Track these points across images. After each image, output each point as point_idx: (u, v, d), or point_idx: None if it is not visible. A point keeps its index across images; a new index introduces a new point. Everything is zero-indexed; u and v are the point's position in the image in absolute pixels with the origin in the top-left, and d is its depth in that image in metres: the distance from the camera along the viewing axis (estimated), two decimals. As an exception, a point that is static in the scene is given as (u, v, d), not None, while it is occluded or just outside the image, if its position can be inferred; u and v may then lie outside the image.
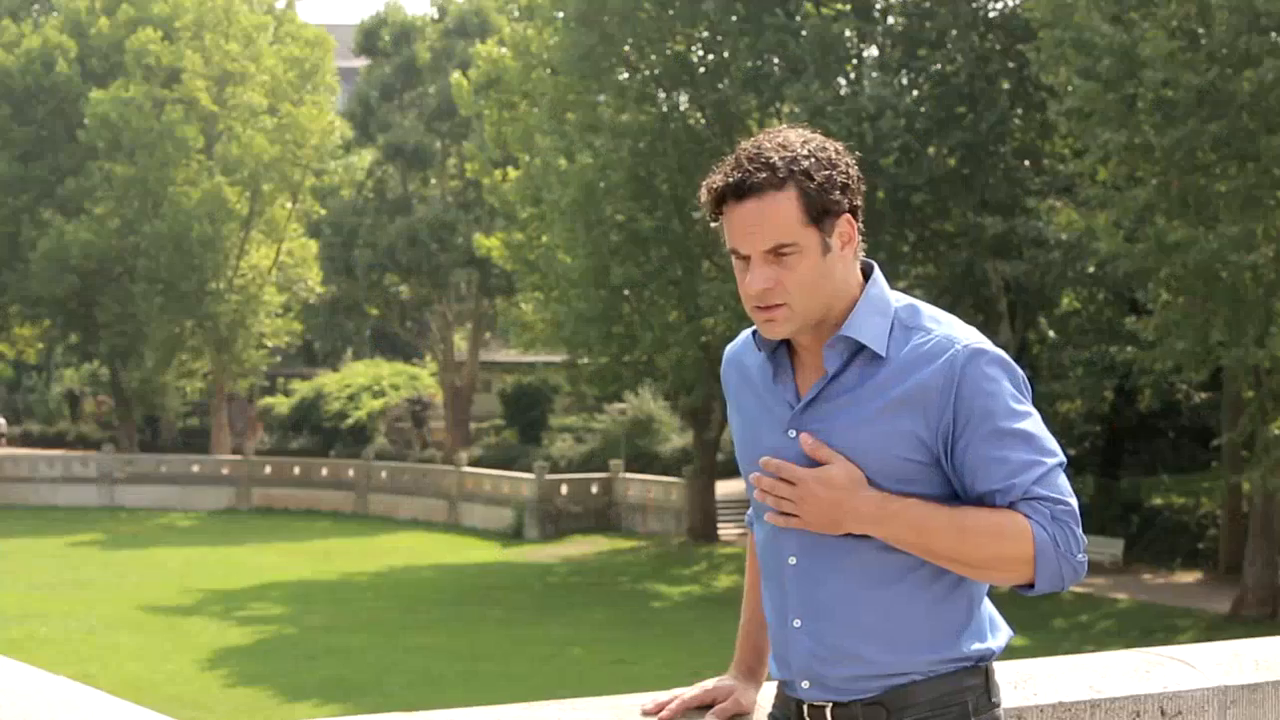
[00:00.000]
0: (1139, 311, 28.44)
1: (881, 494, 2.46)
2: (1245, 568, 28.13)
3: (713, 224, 2.54)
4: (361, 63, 57.90)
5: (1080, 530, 2.47)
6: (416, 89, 54.80)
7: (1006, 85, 31.79)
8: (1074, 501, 2.46)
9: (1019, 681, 2.83)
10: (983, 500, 2.46)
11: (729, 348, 2.72)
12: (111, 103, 50.07)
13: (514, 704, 2.67)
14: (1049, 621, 28.14)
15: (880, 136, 29.26)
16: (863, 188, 2.52)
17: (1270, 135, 23.34)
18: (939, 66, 31.17)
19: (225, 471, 51.44)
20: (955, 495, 2.48)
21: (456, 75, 47.16)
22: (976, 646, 2.50)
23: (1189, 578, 32.39)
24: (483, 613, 30.78)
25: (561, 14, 35.57)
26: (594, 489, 44.18)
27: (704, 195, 2.51)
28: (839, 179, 2.47)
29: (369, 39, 55.52)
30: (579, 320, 34.78)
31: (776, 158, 2.45)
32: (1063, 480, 2.47)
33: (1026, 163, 31.80)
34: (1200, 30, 23.97)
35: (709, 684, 2.69)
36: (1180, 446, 38.75)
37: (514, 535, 42.86)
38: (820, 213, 2.46)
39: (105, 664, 24.53)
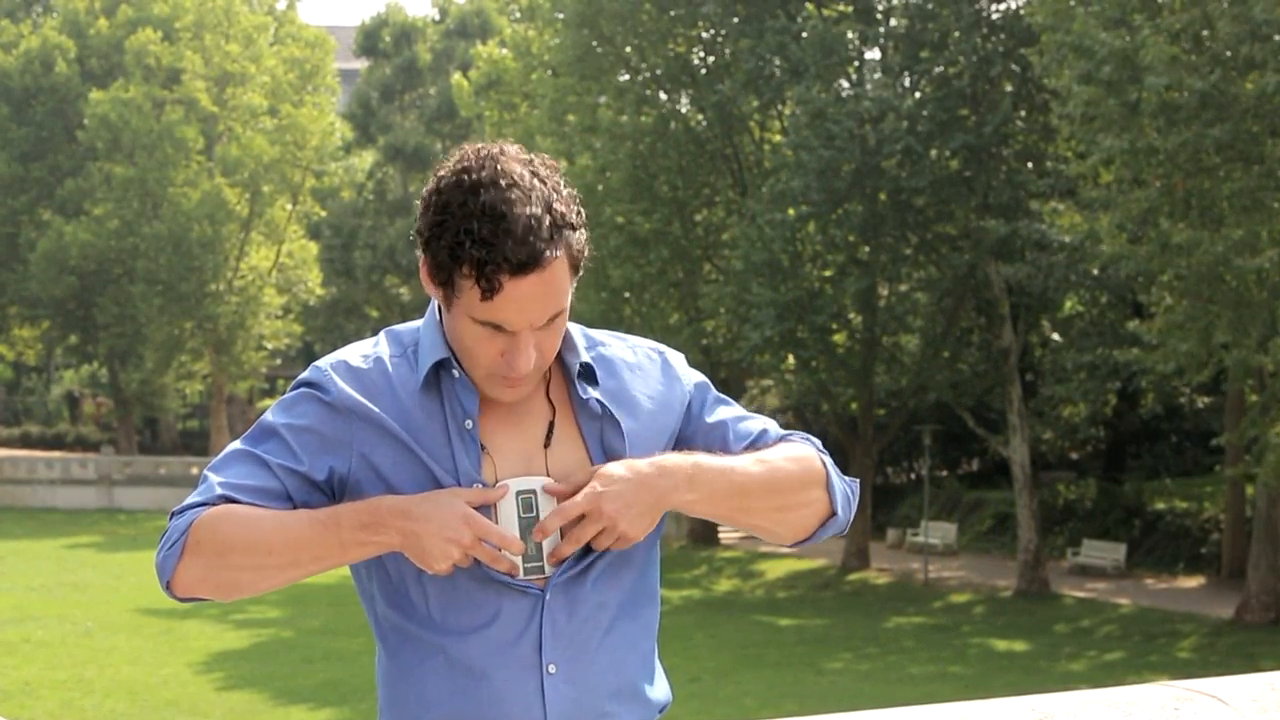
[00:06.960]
0: (1142, 315, 28.28)
1: (674, 453, 2.10)
2: (1249, 572, 27.97)
3: (436, 289, 2.04)
4: (362, 64, 57.78)
5: None
6: (417, 90, 54.69)
7: (1009, 88, 31.66)
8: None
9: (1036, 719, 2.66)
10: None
11: (340, 385, 2.09)
12: (111, 103, 49.93)
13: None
14: (1050, 627, 27.99)
15: (882, 139, 29.13)
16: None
17: (1275, 139, 23.21)
18: (941, 69, 31.03)
19: (224, 473, 51.21)
20: None
21: (457, 76, 47.05)
22: (668, 693, 2.20)
23: (1192, 582, 32.22)
24: (481, 616, 30.58)
25: (562, 15, 35.45)
26: (594, 492, 43.95)
27: (469, 271, 1.98)
28: (581, 214, 2.06)
29: (369, 40, 55.40)
30: (579, 322, 34.70)
31: (545, 215, 1.99)
32: None
33: (1029, 165, 31.67)
34: (1205, 33, 23.82)
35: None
36: (1183, 450, 38.61)
37: (513, 538, 42.68)
38: (578, 265, 2.07)
39: (101, 667, 24.37)
